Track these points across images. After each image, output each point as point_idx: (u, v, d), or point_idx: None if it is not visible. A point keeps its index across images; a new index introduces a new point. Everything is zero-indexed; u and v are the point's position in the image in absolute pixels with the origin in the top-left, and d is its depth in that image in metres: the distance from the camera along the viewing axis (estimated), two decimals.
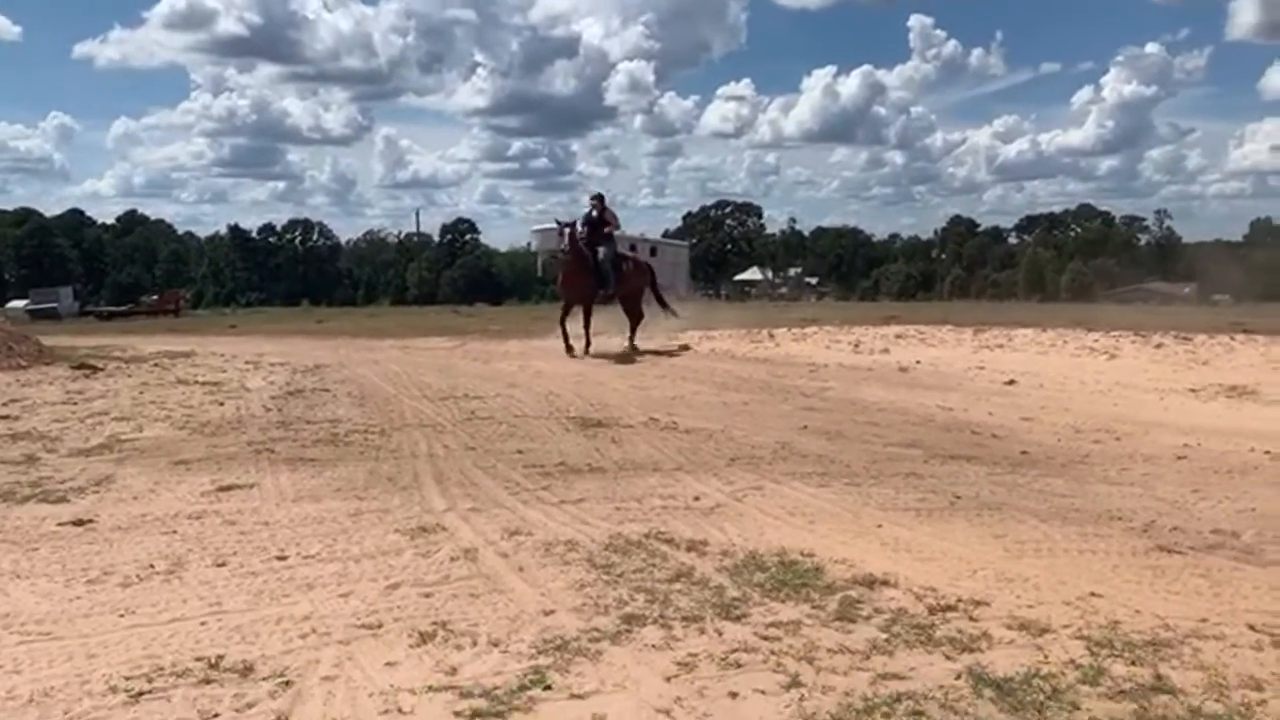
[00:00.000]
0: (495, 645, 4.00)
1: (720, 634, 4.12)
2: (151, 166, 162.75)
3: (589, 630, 4.15)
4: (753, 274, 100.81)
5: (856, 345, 19.38)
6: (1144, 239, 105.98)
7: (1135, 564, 5.17)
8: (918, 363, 16.89)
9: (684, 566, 5.03)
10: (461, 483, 7.04)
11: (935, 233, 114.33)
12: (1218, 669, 3.77)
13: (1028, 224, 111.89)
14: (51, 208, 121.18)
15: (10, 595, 4.66)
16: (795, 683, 3.65)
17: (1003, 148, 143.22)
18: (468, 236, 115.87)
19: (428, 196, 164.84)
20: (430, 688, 3.60)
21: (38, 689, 3.60)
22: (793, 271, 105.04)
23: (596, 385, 13.16)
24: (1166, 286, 79.32)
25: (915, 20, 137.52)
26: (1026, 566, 5.09)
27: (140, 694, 3.56)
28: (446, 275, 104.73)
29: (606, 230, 18.33)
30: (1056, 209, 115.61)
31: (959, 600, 4.52)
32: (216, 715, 3.43)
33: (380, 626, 4.21)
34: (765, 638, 4.07)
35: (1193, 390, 13.09)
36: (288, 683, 3.66)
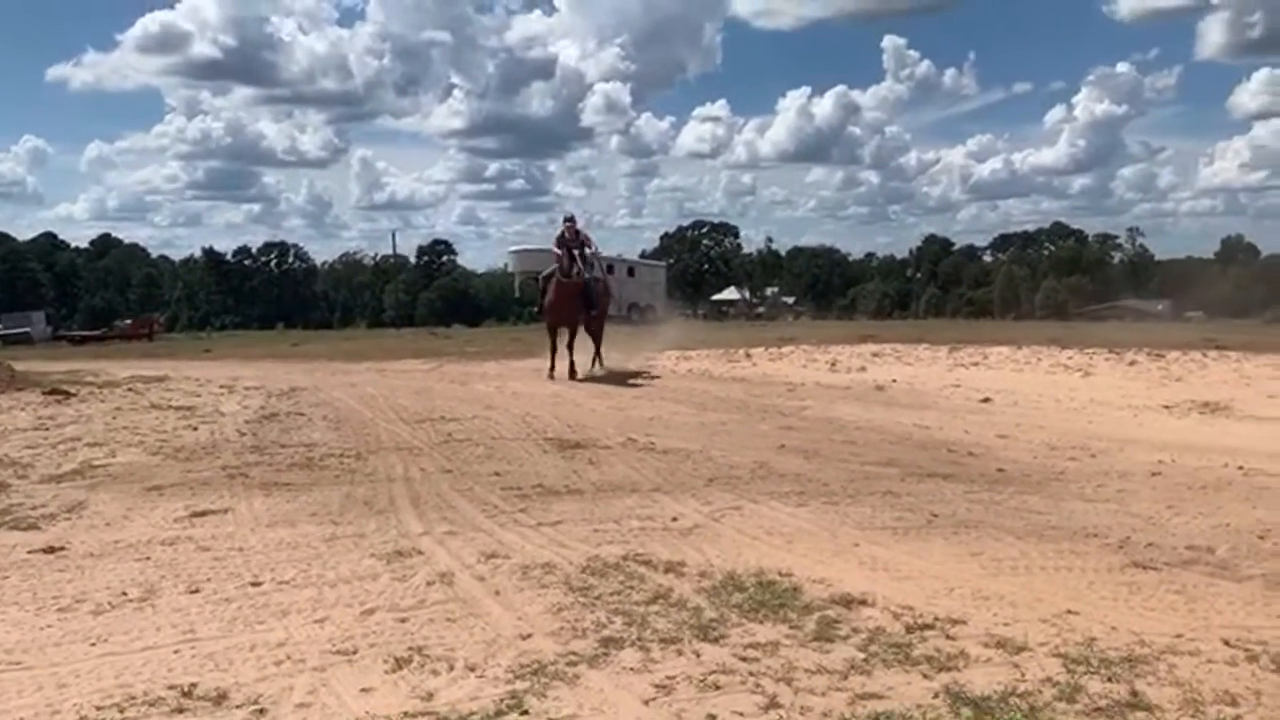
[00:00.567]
0: (472, 670, 3.97)
1: (698, 656, 4.11)
2: (125, 190, 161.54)
3: (566, 654, 4.13)
4: (730, 294, 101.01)
5: (833, 364, 19.44)
6: (1117, 257, 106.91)
7: (1111, 580, 5.20)
8: (894, 381, 16.96)
9: (662, 588, 5.02)
10: (438, 506, 7.01)
11: (910, 252, 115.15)
12: (1193, 685, 3.79)
13: (1002, 242, 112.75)
14: (24, 231, 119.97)
15: None
16: (774, 704, 3.64)
17: (976, 167, 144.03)
18: (444, 258, 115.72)
19: (404, 218, 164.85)
20: (406, 714, 3.58)
21: None
22: (769, 291, 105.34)
23: (574, 406, 13.14)
24: (1140, 303, 80.00)
25: (889, 41, 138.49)
26: (1003, 584, 5.11)
27: None
28: (423, 297, 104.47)
29: (586, 251, 17.99)
30: (1030, 227, 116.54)
31: (936, 619, 4.53)
32: None
33: (355, 652, 4.18)
34: (743, 659, 4.06)
35: (1166, 407, 13.21)
36: (262, 710, 3.62)
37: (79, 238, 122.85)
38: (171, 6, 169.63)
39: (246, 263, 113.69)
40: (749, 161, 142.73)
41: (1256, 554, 5.75)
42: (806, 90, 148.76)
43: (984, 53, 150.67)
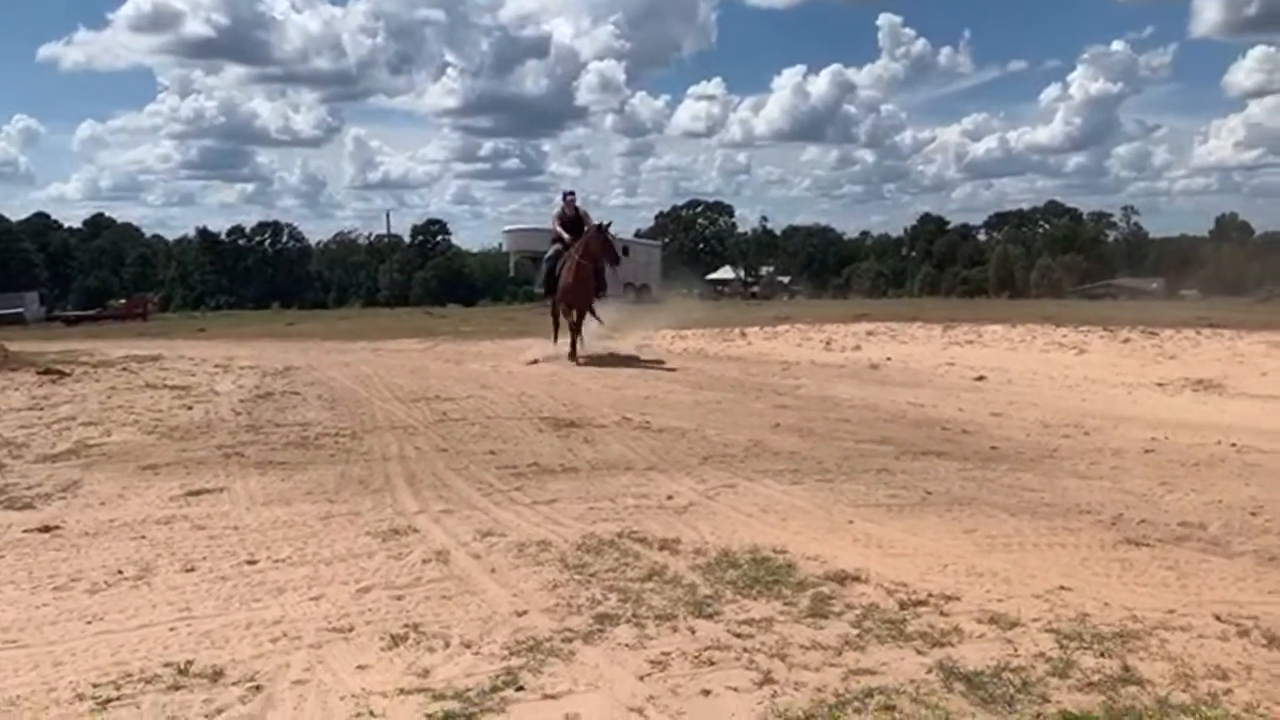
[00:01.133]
0: (468, 647, 3.98)
1: (693, 632, 4.12)
2: (118, 169, 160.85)
3: (562, 630, 4.14)
4: (725, 273, 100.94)
5: (828, 343, 19.48)
6: (1111, 235, 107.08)
7: (1104, 557, 5.22)
8: (888, 360, 16.99)
9: (657, 565, 5.03)
10: (433, 485, 7.01)
11: (905, 230, 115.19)
12: (1185, 660, 3.81)
13: (997, 221, 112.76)
14: (16, 211, 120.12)
15: None
16: (768, 679, 3.66)
17: (971, 145, 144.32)
18: (439, 237, 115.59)
19: (398, 198, 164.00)
20: (402, 690, 3.59)
21: (3, 698, 3.56)
22: (764, 270, 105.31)
23: (569, 385, 13.14)
24: (1134, 282, 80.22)
25: (884, 19, 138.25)
26: (996, 561, 5.13)
27: (108, 701, 3.53)
28: (418, 277, 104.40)
29: (586, 229, 17.23)
30: (1025, 206, 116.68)
31: (930, 595, 4.55)
32: None
33: (351, 630, 4.19)
34: (738, 635, 4.08)
35: (1160, 384, 13.26)
36: (258, 687, 3.63)
37: (72, 218, 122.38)
38: None
39: (240, 242, 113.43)
40: (744, 140, 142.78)
41: (1248, 530, 5.78)
42: (802, 68, 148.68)
43: (979, 31, 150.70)
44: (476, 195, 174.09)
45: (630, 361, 16.64)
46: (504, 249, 67.63)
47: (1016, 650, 3.91)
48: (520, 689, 3.59)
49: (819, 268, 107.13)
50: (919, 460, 7.91)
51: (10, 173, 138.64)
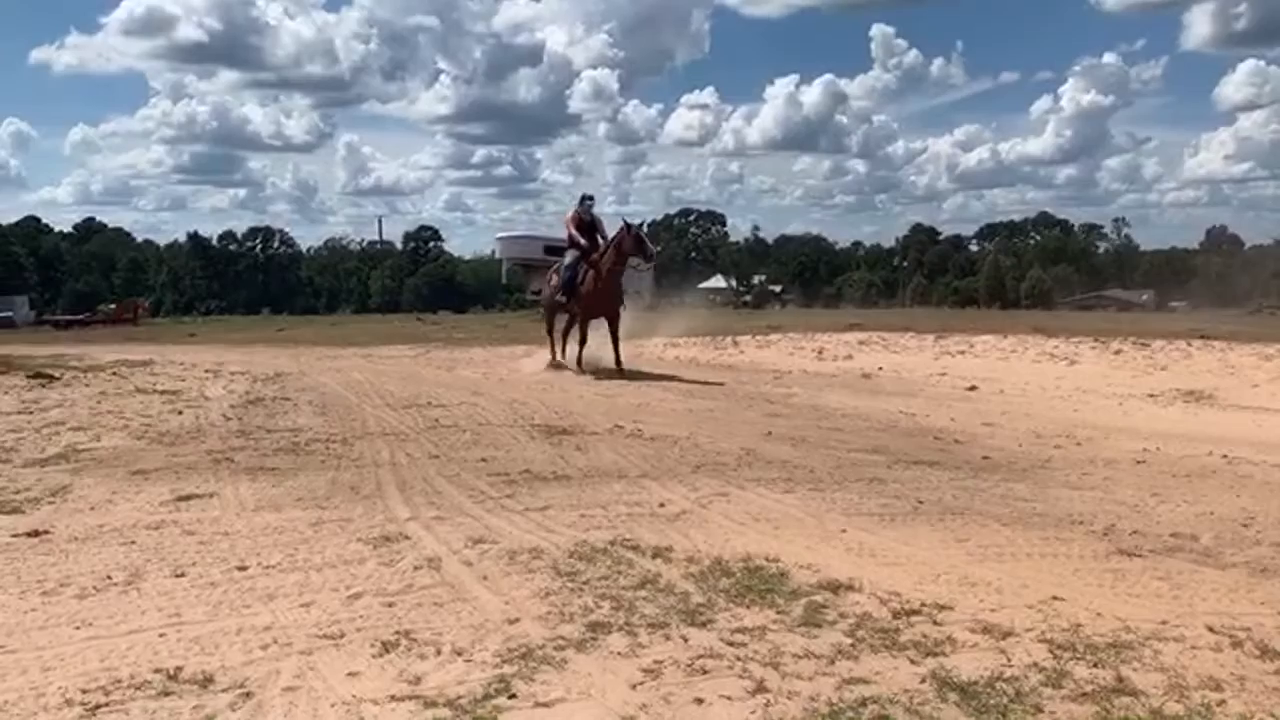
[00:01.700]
0: (459, 654, 3.96)
1: (686, 640, 4.11)
2: (110, 174, 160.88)
3: (554, 638, 4.12)
4: (717, 282, 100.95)
5: (820, 352, 19.50)
6: (1102, 247, 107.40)
7: (1096, 567, 5.22)
8: (880, 369, 17.02)
9: (649, 573, 5.01)
10: (425, 491, 6.99)
11: (897, 240, 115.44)
12: (1178, 670, 3.80)
13: (988, 232, 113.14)
14: (7, 215, 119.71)
15: None
16: (761, 688, 3.64)
17: (963, 156, 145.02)
18: (431, 244, 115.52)
19: (390, 204, 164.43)
20: (393, 697, 3.57)
21: None
22: (756, 279, 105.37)
23: (561, 392, 13.14)
24: (1124, 293, 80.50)
25: (877, 30, 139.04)
26: (989, 571, 5.12)
27: (97, 707, 3.50)
28: (410, 283, 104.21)
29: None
30: (1016, 217, 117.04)
31: (923, 604, 4.54)
32: None
33: (342, 636, 4.16)
34: (731, 644, 4.07)
35: (1151, 395, 13.30)
36: (248, 694, 3.61)
37: (63, 221, 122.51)
38: None
39: (232, 248, 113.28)
40: (736, 149, 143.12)
41: (1240, 541, 5.78)
42: (794, 78, 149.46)
43: (971, 42, 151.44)
44: (469, 202, 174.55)
45: (622, 370, 16.58)
46: (496, 256, 67.50)
47: (1010, 660, 3.90)
48: (512, 697, 3.58)
49: (811, 277, 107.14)
50: (911, 470, 7.91)
51: (1, 176, 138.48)
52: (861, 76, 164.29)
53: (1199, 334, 19.64)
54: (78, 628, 4.28)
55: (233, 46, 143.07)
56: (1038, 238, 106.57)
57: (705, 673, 3.79)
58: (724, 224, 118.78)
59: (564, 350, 16.96)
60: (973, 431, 10.08)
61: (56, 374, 15.01)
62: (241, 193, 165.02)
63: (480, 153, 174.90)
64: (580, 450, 8.62)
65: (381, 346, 23.89)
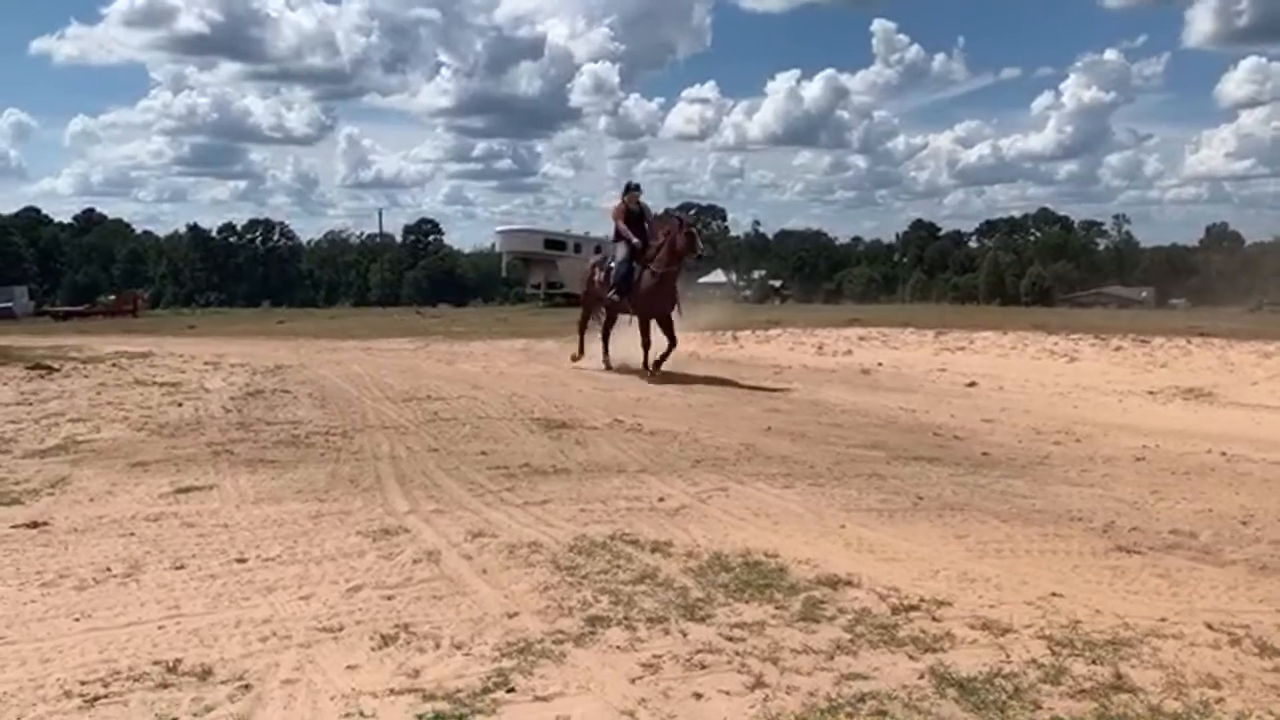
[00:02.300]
0: (458, 648, 3.96)
1: (685, 635, 4.11)
2: (110, 165, 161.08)
3: (553, 632, 4.12)
4: (716, 276, 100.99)
5: (820, 348, 19.51)
6: (1102, 243, 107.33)
7: (1095, 564, 5.22)
8: (880, 365, 17.02)
9: (649, 568, 5.02)
10: (424, 485, 6.99)
11: (897, 236, 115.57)
12: (1176, 668, 3.81)
13: (988, 228, 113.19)
14: (7, 205, 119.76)
15: None
16: (760, 683, 3.64)
17: (964, 152, 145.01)
18: (431, 237, 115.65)
19: (391, 197, 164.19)
20: (392, 691, 3.57)
21: None
22: (757, 274, 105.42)
23: (560, 386, 13.13)
24: (1124, 290, 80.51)
25: (878, 25, 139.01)
26: (988, 567, 5.12)
27: (96, 698, 3.50)
28: (409, 276, 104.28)
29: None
30: (1016, 213, 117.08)
31: (922, 600, 4.54)
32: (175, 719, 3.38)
33: (341, 629, 4.16)
34: (730, 638, 4.07)
35: (1151, 392, 13.30)
36: (247, 686, 3.61)
37: (62, 212, 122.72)
38: None
39: (232, 240, 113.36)
40: (737, 144, 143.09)
41: (1239, 539, 5.79)
42: (795, 73, 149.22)
43: (973, 38, 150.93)
44: (469, 195, 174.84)
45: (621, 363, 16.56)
46: (497, 249, 67.52)
47: (1009, 656, 3.90)
48: (511, 690, 3.58)
49: (810, 272, 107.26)
50: (911, 465, 7.91)
51: (1, 166, 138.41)
52: (863, 71, 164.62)
53: (1198, 331, 19.65)
54: (76, 619, 4.28)
55: (234, 38, 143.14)
56: (1038, 234, 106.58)
57: (704, 667, 3.79)
58: (724, 218, 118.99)
59: (605, 351, 15.89)
60: (972, 427, 10.08)
61: (56, 365, 15.01)
62: (242, 185, 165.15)
63: (481, 146, 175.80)
64: (580, 444, 8.62)
65: (381, 339, 23.87)
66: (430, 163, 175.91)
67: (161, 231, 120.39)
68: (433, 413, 10.36)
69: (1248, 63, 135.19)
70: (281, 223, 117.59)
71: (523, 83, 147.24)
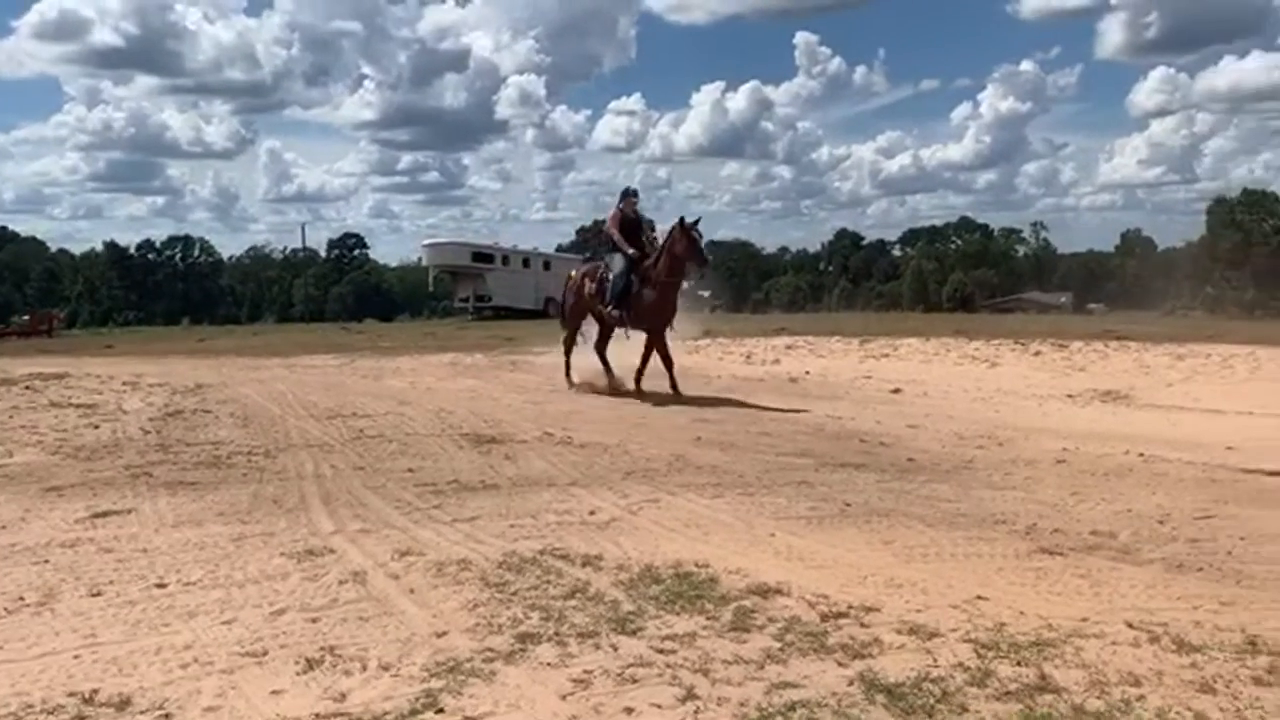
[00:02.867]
0: (386, 669, 3.91)
1: (616, 649, 4.09)
2: (22, 181, 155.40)
3: (482, 650, 4.08)
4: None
5: (748, 357, 19.63)
6: (1021, 250, 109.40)
7: (1019, 566, 5.31)
8: (807, 373, 17.18)
9: (579, 582, 4.99)
10: (350, 504, 6.89)
11: (822, 245, 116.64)
12: (1099, 666, 3.88)
13: (910, 236, 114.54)
14: None
15: None
16: (691, 695, 3.64)
17: (886, 162, 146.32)
18: (356, 252, 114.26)
19: (314, 211, 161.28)
20: (318, 715, 3.51)
21: None
22: (686, 284, 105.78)
23: (490, 401, 13.04)
24: (1043, 296, 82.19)
25: (800, 37, 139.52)
26: (915, 571, 5.19)
27: None
28: (334, 291, 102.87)
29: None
30: (938, 222, 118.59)
31: (850, 607, 4.58)
32: None
33: (265, 654, 4.08)
34: (661, 651, 4.06)
35: (1070, 396, 13.60)
36: (167, 715, 3.52)
37: None
38: None
39: (150, 256, 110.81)
40: (664, 155, 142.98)
41: (1156, 538, 5.93)
42: (720, 85, 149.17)
43: (893, 50, 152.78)
44: (395, 209, 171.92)
45: (550, 377, 16.48)
46: (423, 263, 66.91)
47: (936, 661, 3.94)
48: (440, 711, 3.53)
49: (739, 282, 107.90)
50: (838, 472, 7.99)
51: None
52: (786, 83, 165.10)
53: (1115, 335, 20.11)
54: None
55: (150, 51, 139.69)
56: (959, 242, 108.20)
57: (635, 681, 3.78)
58: (653, 229, 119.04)
59: (606, 368, 14.75)
60: (898, 434, 10.21)
61: None
62: (160, 200, 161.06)
63: (406, 159, 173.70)
64: (509, 459, 8.56)
65: (305, 356, 23.49)
66: (354, 176, 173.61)
67: (77, 249, 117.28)
68: (358, 430, 10.22)
69: (1157, 73, 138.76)
70: (202, 238, 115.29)
71: (448, 95, 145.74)
